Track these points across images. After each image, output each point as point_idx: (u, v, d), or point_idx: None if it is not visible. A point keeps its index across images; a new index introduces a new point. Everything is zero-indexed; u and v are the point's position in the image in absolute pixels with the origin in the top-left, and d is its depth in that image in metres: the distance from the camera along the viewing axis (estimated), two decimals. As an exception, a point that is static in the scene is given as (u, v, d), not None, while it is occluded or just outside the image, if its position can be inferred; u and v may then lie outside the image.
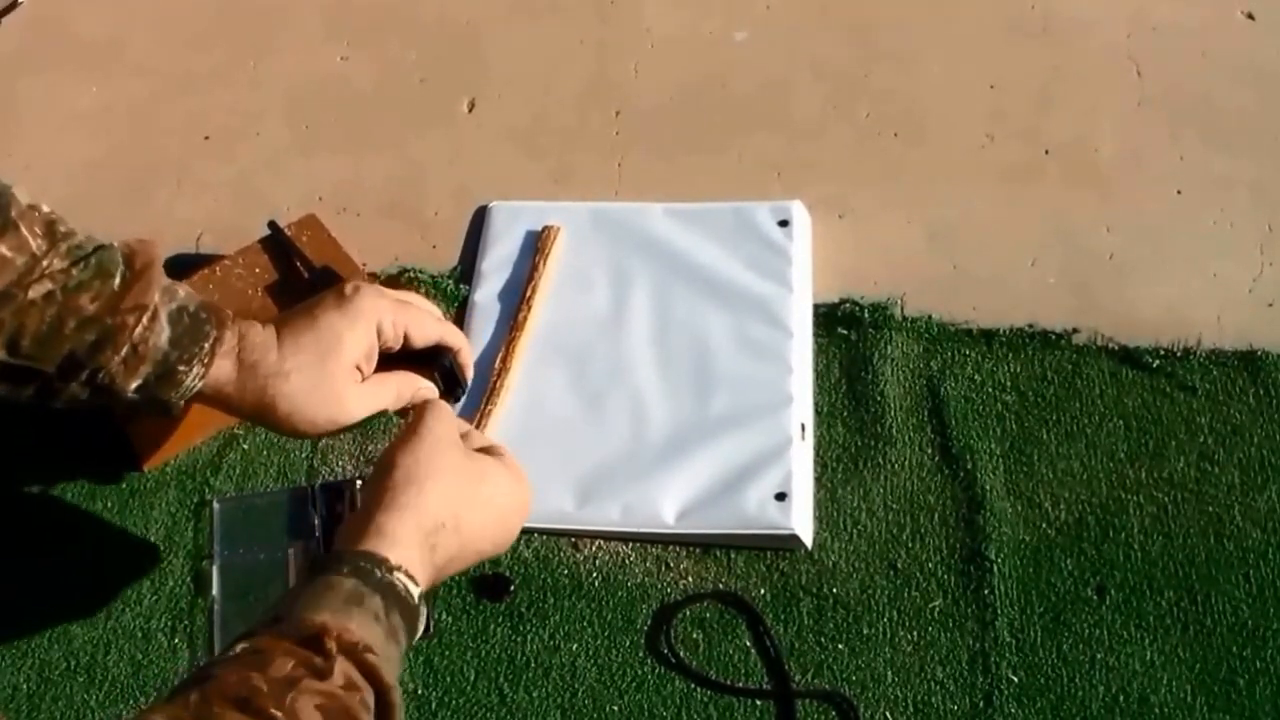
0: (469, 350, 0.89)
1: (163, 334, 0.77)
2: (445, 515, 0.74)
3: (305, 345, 0.80)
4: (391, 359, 0.84)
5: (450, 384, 0.87)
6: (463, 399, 0.92)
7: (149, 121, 1.20)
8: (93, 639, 0.91)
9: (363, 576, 0.67)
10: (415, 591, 0.69)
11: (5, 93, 1.23)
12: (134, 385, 0.77)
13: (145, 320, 0.76)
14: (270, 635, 0.64)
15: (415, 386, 0.84)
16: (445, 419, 0.79)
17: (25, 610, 0.92)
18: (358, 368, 0.82)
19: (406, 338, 0.84)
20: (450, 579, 0.90)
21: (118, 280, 0.76)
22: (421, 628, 0.71)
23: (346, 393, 0.81)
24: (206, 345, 0.78)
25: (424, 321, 0.86)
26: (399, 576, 0.69)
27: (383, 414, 0.83)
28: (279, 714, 0.59)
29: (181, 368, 0.78)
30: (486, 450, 0.80)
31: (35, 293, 0.75)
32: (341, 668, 0.62)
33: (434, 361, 0.86)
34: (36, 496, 0.97)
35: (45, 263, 0.75)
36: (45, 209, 0.77)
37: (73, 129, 1.20)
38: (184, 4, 1.29)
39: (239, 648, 0.64)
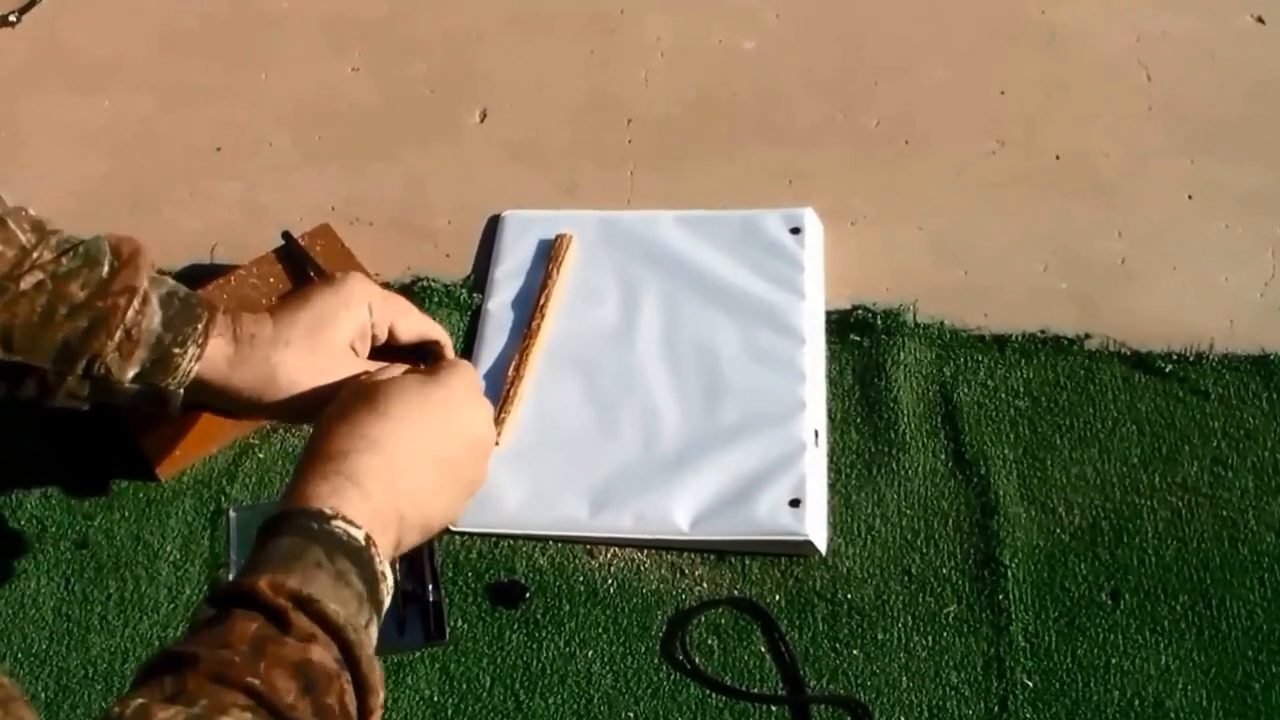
0: (450, 344, 0.92)
1: (155, 316, 0.78)
2: (353, 441, 0.73)
3: (300, 320, 0.83)
4: (377, 356, 0.87)
5: None
6: None
7: (158, 136, 1.21)
8: (110, 647, 0.91)
9: (298, 532, 0.68)
10: (358, 533, 0.69)
11: (13, 107, 1.23)
12: (131, 374, 0.78)
13: (136, 303, 0.77)
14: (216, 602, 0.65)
15: None
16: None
17: (42, 619, 0.92)
18: (352, 348, 0.85)
19: (392, 332, 0.87)
20: (466, 587, 0.91)
21: (106, 268, 0.78)
22: (382, 569, 0.70)
23: (344, 366, 0.83)
24: (199, 326, 0.79)
25: (410, 314, 0.89)
26: (337, 524, 0.69)
27: None
28: (256, 682, 0.60)
29: (176, 350, 0.78)
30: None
31: (27, 283, 0.76)
32: (296, 619, 0.63)
33: (420, 356, 0.89)
34: (53, 506, 0.97)
35: (35, 254, 0.77)
36: (30, 211, 0.79)
37: (81, 143, 1.20)
38: (192, 18, 1.29)
39: (197, 622, 0.65)
